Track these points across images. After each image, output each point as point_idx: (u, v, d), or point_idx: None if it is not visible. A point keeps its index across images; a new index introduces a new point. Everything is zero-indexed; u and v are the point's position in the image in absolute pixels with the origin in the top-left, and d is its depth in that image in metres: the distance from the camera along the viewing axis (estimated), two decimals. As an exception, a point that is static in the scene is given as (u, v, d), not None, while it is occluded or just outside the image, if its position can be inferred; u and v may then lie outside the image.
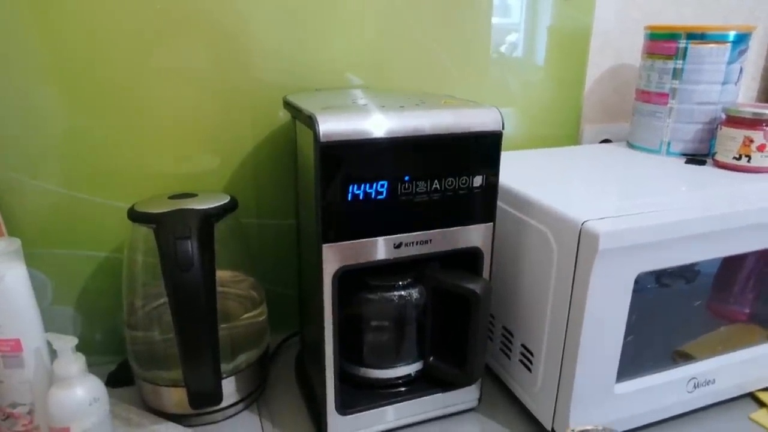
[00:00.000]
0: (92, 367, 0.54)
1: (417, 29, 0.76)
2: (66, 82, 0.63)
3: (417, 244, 0.55)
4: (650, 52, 0.79)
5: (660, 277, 0.60)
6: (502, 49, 0.82)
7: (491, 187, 0.56)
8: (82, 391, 0.52)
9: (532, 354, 0.62)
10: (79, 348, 0.53)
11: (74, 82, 0.64)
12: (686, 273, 0.63)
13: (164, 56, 0.66)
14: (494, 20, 0.80)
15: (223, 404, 0.61)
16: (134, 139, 0.67)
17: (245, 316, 0.66)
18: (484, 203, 0.56)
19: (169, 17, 0.65)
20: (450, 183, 0.54)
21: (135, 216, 0.57)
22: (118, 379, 0.69)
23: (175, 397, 0.61)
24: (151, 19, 0.64)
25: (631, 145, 0.85)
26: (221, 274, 0.62)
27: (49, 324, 0.57)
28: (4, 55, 0.61)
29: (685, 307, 0.65)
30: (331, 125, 0.48)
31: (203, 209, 0.57)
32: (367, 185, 0.51)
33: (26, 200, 0.65)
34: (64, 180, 0.66)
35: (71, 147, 0.65)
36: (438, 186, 0.53)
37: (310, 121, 0.48)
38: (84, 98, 0.64)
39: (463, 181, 0.54)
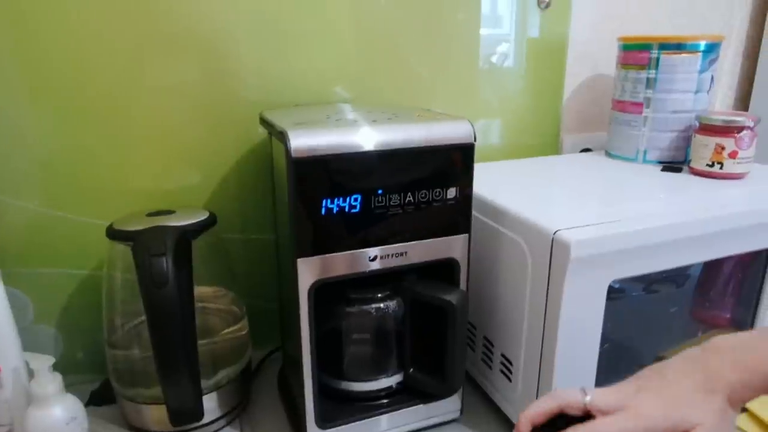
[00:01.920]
0: (75, 385, 0.55)
1: (399, 43, 0.77)
2: (48, 102, 0.64)
3: (393, 256, 0.55)
4: (624, 63, 0.80)
5: (636, 284, 0.61)
6: (484, 62, 0.84)
7: (465, 198, 0.56)
8: (59, 411, 0.52)
9: (511, 363, 0.62)
10: (61, 367, 0.53)
11: (56, 102, 0.64)
12: (663, 280, 0.63)
13: (146, 74, 0.67)
14: (477, 33, 0.82)
15: (205, 420, 0.61)
16: (116, 157, 0.68)
17: (226, 331, 0.66)
18: (459, 214, 0.57)
19: (152, 36, 0.66)
20: (424, 195, 0.54)
21: (113, 234, 0.58)
22: (101, 398, 0.69)
23: (156, 415, 0.61)
24: (133, 38, 0.65)
25: (609, 154, 0.86)
26: (202, 290, 0.63)
27: (31, 343, 0.57)
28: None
29: (664, 313, 0.65)
30: (303, 141, 0.49)
31: (180, 226, 0.57)
32: (341, 199, 0.51)
33: (6, 220, 0.66)
34: (44, 199, 0.66)
35: (52, 166, 0.66)
36: (412, 198, 0.54)
37: (282, 137, 0.49)
38: (66, 118, 0.65)
39: (437, 194, 0.55)
